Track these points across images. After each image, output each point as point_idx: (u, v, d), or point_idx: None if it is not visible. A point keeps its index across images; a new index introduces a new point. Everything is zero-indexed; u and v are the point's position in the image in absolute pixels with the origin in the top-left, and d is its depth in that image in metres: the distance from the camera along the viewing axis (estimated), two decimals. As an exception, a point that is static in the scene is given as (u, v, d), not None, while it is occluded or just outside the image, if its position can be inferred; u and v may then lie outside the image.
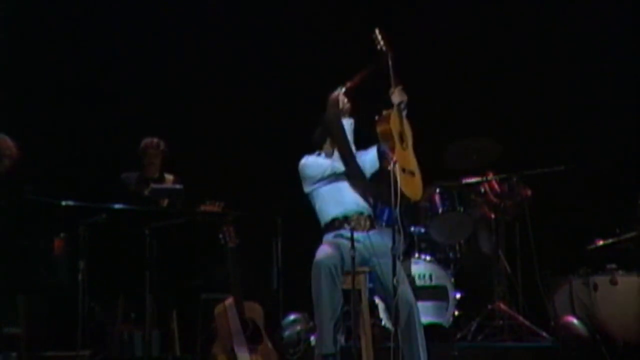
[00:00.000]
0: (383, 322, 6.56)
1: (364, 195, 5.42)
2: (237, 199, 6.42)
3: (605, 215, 7.07)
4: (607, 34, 7.59)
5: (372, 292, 5.46)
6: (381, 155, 5.25)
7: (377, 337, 6.17)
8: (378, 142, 5.32)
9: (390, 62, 5.32)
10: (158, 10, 7.89)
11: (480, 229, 7.29)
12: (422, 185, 5.33)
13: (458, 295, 7.04)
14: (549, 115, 7.73)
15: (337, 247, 5.23)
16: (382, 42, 5.33)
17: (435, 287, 6.92)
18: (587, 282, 6.42)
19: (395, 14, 7.84)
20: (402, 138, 5.26)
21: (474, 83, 7.79)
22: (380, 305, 6.53)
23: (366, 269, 5.29)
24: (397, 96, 5.29)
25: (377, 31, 5.35)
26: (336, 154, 5.39)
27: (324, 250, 5.23)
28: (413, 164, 5.26)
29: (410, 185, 5.17)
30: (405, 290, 5.15)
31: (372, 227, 5.39)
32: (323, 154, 5.51)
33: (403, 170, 5.15)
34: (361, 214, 5.39)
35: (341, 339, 6.35)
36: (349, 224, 5.29)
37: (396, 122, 5.26)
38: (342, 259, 5.18)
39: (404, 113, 5.35)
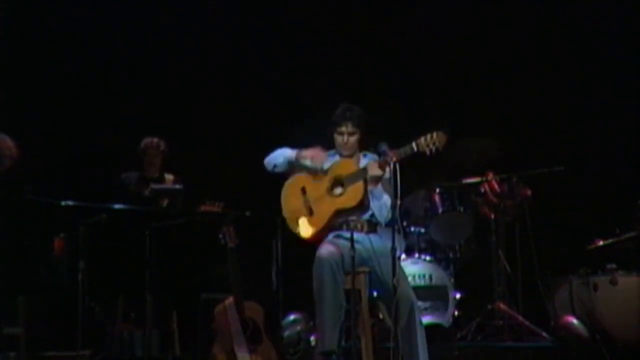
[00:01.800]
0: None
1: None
2: (237, 199, 6.42)
3: (605, 215, 7.06)
4: (607, 34, 7.59)
5: (372, 294, 5.45)
6: (381, 155, 5.25)
7: (377, 337, 6.16)
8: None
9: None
10: (158, 10, 7.88)
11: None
12: (312, 231, 5.32)
13: (458, 295, 7.04)
14: (549, 115, 7.72)
15: (337, 246, 5.24)
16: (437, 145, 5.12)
17: (435, 287, 6.92)
18: (587, 282, 6.42)
19: (395, 14, 7.85)
20: (338, 185, 5.30)
21: (473, 83, 7.78)
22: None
23: (366, 269, 5.29)
24: (372, 167, 5.21)
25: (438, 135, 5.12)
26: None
27: (326, 248, 5.25)
28: (321, 207, 5.30)
29: (300, 222, 5.30)
30: (405, 289, 5.15)
31: (371, 230, 5.38)
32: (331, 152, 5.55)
33: (309, 207, 5.29)
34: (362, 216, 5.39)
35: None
36: (348, 224, 5.29)
37: (341, 169, 5.32)
38: (343, 258, 5.19)
39: (370, 183, 5.23)
